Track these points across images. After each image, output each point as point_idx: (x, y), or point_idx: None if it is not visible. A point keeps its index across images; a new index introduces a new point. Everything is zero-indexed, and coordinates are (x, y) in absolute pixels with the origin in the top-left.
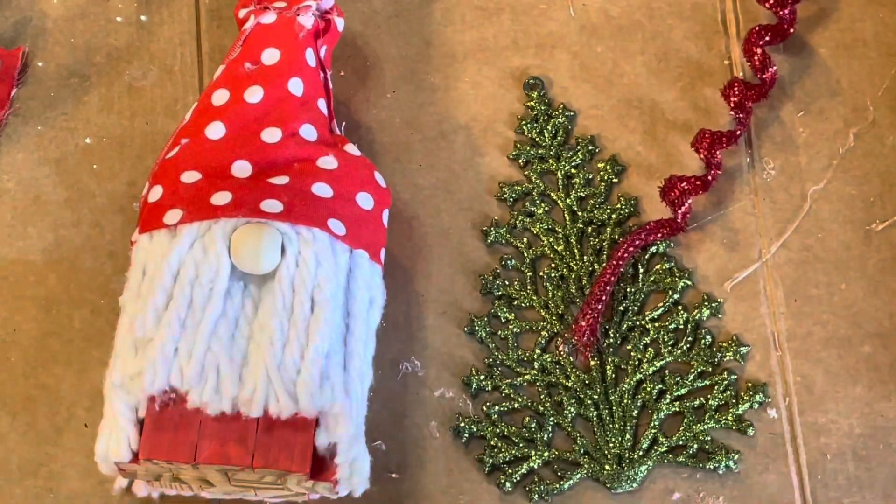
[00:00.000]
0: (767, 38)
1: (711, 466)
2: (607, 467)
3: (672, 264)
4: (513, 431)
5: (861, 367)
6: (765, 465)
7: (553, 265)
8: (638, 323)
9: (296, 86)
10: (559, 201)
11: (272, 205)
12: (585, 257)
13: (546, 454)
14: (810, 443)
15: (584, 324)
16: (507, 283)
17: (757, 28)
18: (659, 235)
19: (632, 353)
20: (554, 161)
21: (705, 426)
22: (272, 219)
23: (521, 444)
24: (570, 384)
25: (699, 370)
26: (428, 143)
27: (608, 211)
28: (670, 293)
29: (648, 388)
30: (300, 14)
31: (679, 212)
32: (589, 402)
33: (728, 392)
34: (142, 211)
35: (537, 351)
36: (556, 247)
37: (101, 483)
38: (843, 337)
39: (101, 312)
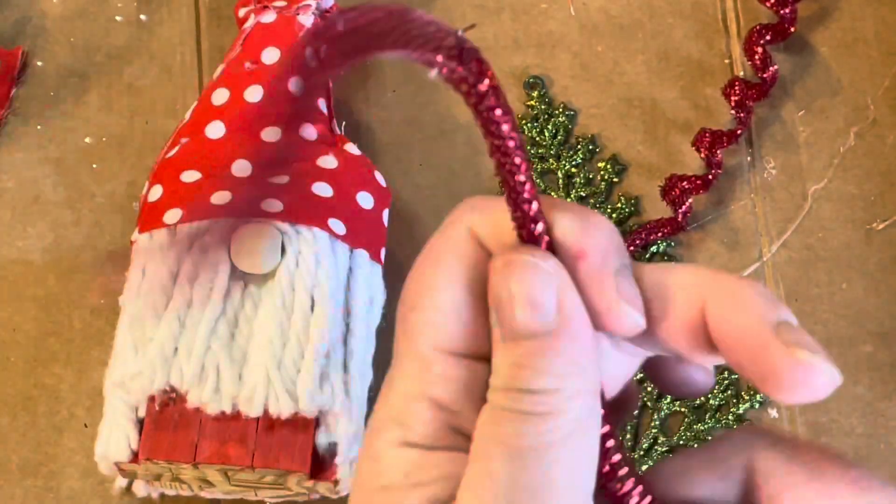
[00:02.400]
0: (768, 37)
1: None
2: None
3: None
4: None
5: (862, 366)
6: None
7: None
8: None
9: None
10: None
11: (272, 204)
12: None
13: None
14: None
15: None
16: None
17: (758, 27)
18: (660, 235)
19: None
20: (554, 160)
21: (706, 426)
22: (272, 218)
23: None
24: None
25: None
26: (428, 143)
27: (609, 210)
28: None
29: (649, 388)
30: (300, 13)
31: (680, 211)
32: None
33: (728, 391)
34: (141, 210)
35: None
36: None
37: (101, 483)
38: (844, 336)
39: (101, 312)
